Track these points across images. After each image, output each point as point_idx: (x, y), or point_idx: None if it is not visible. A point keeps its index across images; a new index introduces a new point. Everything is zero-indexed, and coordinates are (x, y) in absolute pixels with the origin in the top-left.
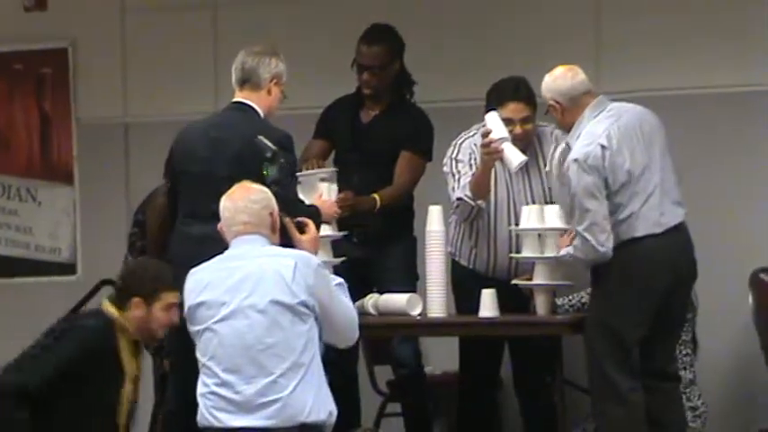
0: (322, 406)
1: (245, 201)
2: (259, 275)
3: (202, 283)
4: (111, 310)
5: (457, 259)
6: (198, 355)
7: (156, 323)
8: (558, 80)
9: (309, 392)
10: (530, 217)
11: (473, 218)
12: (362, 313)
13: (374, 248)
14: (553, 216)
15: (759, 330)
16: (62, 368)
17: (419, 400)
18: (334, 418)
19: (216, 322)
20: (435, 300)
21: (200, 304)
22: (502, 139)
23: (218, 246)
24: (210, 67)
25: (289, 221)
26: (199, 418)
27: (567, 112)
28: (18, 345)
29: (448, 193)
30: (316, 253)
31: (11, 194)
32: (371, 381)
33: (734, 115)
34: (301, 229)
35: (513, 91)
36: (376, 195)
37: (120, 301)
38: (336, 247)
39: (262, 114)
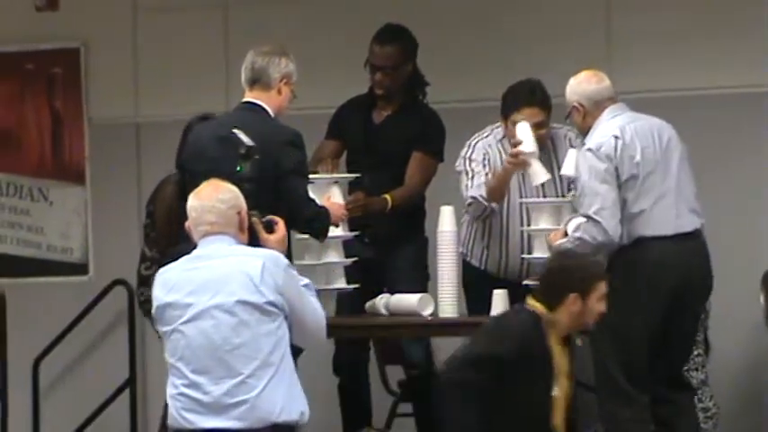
0: (294, 406)
1: (212, 200)
2: (225, 275)
3: (169, 283)
4: (538, 306)
5: (468, 260)
6: (166, 356)
7: (590, 315)
8: (583, 84)
9: (279, 392)
10: (541, 215)
11: (485, 216)
12: (374, 313)
13: (385, 249)
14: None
15: None
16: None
17: (431, 401)
18: (306, 418)
19: (183, 323)
20: (447, 300)
21: (167, 305)
22: (531, 154)
23: None
24: (222, 66)
25: (256, 221)
26: (169, 420)
27: (589, 116)
28: (31, 345)
29: (461, 191)
30: (284, 253)
31: (22, 194)
32: (383, 381)
33: (745, 115)
34: (271, 228)
35: (528, 95)
36: (387, 196)
37: (552, 298)
38: (347, 247)
39: (272, 114)
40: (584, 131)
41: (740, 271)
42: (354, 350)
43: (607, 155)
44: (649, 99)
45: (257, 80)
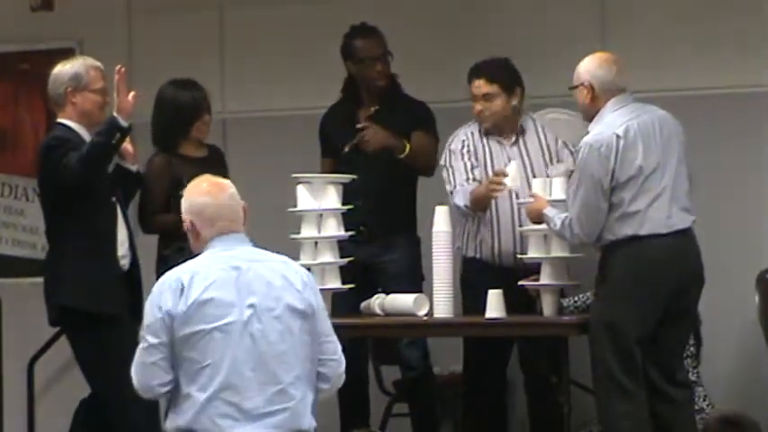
0: (313, 413)
1: (225, 197)
2: (270, 279)
3: (208, 279)
4: None
5: (464, 253)
6: (195, 355)
7: None
8: (597, 67)
9: (309, 401)
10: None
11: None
12: (369, 314)
13: (378, 249)
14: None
15: (765, 331)
16: None
17: (427, 402)
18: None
19: (226, 324)
20: (442, 301)
21: (206, 301)
22: (511, 188)
23: None
24: (216, 67)
25: None
26: (193, 424)
27: (596, 100)
28: (26, 346)
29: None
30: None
31: (17, 194)
32: (378, 381)
33: (741, 115)
34: None
35: (475, 68)
36: (406, 141)
37: None
38: (341, 247)
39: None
40: (587, 114)
41: (736, 270)
42: (353, 350)
43: (605, 155)
44: (644, 100)
45: (55, 104)
